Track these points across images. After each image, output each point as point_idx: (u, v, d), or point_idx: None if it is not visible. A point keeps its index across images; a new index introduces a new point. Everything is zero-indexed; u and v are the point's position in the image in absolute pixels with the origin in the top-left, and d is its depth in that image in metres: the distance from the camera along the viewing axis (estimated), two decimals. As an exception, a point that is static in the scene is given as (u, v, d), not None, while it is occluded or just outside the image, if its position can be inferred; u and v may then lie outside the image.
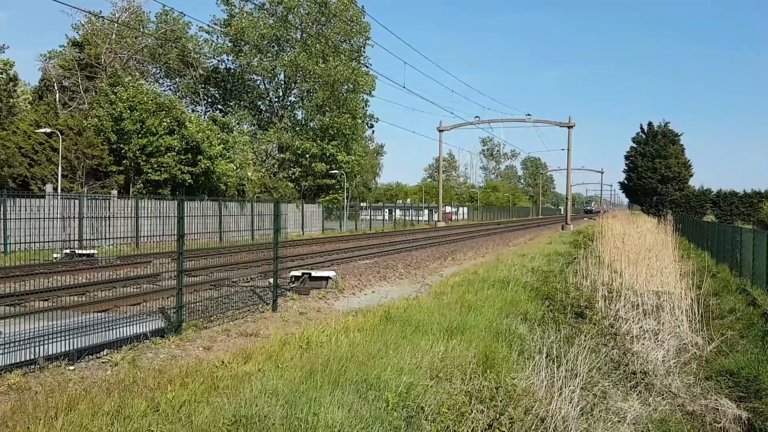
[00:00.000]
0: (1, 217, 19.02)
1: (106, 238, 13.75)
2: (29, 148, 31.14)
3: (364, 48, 57.90)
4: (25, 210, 8.89)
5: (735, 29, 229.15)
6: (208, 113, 53.07)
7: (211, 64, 55.71)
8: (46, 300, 11.54)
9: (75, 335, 7.49)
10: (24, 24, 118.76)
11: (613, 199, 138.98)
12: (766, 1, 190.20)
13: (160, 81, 54.01)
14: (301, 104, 58.62)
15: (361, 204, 62.07)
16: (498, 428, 6.14)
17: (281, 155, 54.91)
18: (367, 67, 55.70)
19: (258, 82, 58.48)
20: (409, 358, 7.44)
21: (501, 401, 6.70)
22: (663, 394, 8.65)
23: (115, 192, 32.03)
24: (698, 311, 12.31)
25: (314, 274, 14.42)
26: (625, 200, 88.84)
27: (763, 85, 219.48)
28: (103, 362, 7.42)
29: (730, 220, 58.98)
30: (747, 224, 49.08)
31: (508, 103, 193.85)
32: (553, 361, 7.74)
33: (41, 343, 7.15)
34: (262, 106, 59.65)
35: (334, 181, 53.94)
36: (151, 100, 36.11)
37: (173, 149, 35.87)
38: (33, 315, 8.62)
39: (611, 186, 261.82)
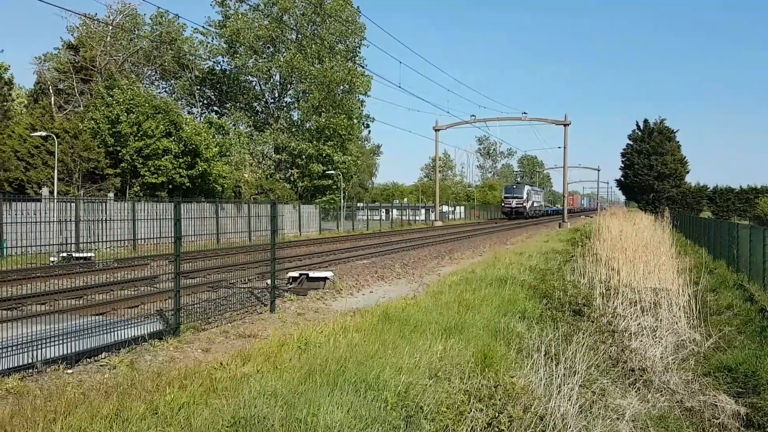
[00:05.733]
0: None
1: (103, 241, 13.67)
2: (25, 151, 31.06)
3: (359, 48, 57.96)
4: (22, 214, 8.87)
5: (730, 25, 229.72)
6: (203, 115, 53.05)
7: (206, 65, 55.73)
8: (43, 304, 11.50)
9: (73, 339, 7.48)
10: (19, 27, 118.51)
11: (609, 197, 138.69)
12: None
13: (156, 83, 54.00)
14: (296, 105, 58.62)
15: (358, 204, 62.01)
16: (497, 427, 6.15)
17: (278, 156, 54.88)
18: (363, 68, 55.74)
19: (253, 83, 58.48)
20: (407, 357, 7.44)
21: (500, 400, 6.70)
22: (661, 391, 8.67)
23: (111, 195, 31.95)
24: (696, 307, 12.33)
25: (312, 274, 14.40)
26: (622, 197, 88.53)
27: (759, 81, 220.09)
28: (101, 365, 7.41)
29: (726, 216, 59.17)
30: (743, 220, 49.23)
31: (503, 102, 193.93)
32: (552, 359, 7.75)
33: (39, 346, 7.13)
34: (257, 108, 59.64)
35: (330, 181, 53.93)
36: (148, 103, 36.05)
37: (170, 152, 35.83)
38: (30, 319, 8.59)
39: (608, 183, 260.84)
